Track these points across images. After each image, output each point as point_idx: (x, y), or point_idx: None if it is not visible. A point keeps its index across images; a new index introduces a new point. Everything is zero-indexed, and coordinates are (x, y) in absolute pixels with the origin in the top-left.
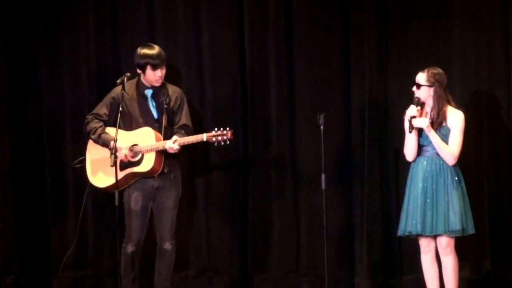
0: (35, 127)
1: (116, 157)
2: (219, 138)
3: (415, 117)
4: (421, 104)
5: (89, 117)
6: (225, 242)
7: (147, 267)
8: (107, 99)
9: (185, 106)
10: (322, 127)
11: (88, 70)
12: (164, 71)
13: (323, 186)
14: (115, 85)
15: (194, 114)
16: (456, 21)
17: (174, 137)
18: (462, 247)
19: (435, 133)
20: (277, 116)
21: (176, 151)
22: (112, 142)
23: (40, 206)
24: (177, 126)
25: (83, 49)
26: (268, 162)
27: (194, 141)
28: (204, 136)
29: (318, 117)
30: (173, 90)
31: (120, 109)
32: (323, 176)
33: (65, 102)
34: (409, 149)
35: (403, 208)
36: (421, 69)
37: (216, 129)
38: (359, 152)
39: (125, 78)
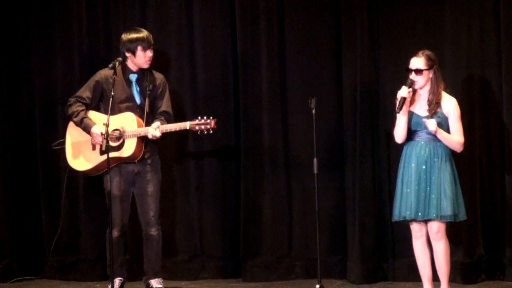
0: (27, 112)
1: (108, 142)
2: (202, 127)
3: (405, 99)
4: (413, 87)
5: (72, 99)
6: (217, 226)
7: (138, 253)
8: (91, 82)
9: (167, 93)
10: (313, 111)
11: (80, 55)
12: (152, 52)
13: (315, 170)
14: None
15: (185, 99)
16: (448, 5)
17: (157, 123)
18: (455, 232)
19: (442, 130)
20: (268, 100)
21: (158, 138)
22: (93, 128)
23: (32, 191)
24: (158, 112)
25: (75, 33)
26: (260, 146)
27: (177, 129)
28: (187, 125)
29: (309, 101)
30: (157, 77)
31: (113, 93)
32: (315, 160)
33: (57, 87)
34: (400, 130)
35: (396, 193)
36: (413, 52)
37: (199, 117)
38: (351, 136)
39: (117, 63)
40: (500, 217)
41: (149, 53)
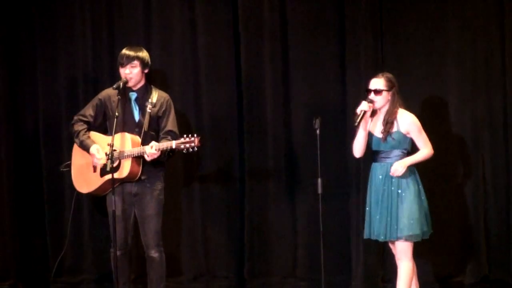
0: (32, 132)
1: (112, 162)
2: (187, 145)
3: (366, 112)
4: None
5: (75, 118)
6: (222, 246)
7: (143, 273)
8: (94, 100)
9: (172, 112)
10: (318, 131)
11: (84, 74)
12: (133, 70)
13: (319, 191)
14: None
15: (189, 121)
16: (452, 26)
17: (153, 142)
18: (460, 252)
19: (411, 159)
20: (273, 120)
21: (156, 156)
22: (91, 148)
23: (38, 211)
24: (163, 132)
25: (79, 53)
26: (265, 166)
27: (167, 148)
28: (173, 144)
29: (314, 121)
30: (160, 96)
31: (117, 114)
32: (319, 180)
33: (61, 106)
34: (358, 145)
35: (366, 212)
36: (418, 73)
37: (185, 135)
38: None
39: (121, 83)
40: (505, 237)
41: (127, 71)
